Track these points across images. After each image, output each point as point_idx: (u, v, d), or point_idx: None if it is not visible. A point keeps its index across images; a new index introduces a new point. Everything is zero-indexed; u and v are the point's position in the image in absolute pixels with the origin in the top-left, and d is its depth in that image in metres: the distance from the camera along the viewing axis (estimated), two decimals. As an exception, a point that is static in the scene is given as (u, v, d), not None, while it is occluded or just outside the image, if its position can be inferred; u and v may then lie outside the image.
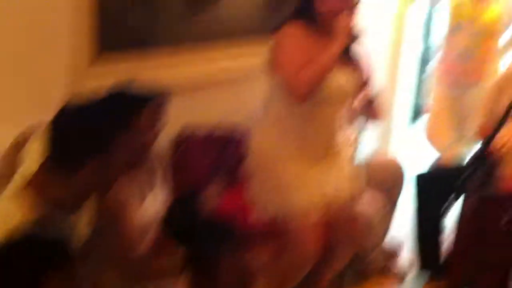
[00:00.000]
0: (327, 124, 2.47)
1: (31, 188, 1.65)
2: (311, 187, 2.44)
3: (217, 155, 2.92)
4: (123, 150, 1.72)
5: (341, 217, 2.51)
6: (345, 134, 2.67)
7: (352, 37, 2.34)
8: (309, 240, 2.43)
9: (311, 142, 2.46)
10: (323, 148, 2.50)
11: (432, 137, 3.99)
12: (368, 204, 2.98)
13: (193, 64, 2.86)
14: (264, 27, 3.03)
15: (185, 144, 2.82)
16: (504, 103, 2.83)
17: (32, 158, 1.76)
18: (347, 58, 2.41)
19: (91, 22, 2.38)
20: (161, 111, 2.09)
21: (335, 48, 2.29)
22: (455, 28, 3.73)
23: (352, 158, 2.79)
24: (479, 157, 2.74)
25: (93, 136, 1.66)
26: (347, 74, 2.43)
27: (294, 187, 2.43)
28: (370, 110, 2.92)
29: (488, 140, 2.63)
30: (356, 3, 2.39)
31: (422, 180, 3.11)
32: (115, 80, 2.16)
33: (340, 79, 2.39)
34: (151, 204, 2.14)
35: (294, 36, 2.36)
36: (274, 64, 2.40)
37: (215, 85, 2.94)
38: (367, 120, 3.21)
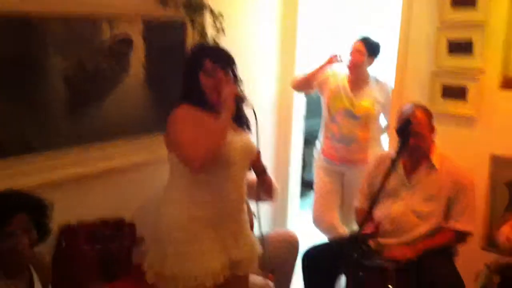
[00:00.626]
0: (233, 189, 2.54)
1: None
2: (217, 253, 2.50)
3: (104, 244, 2.93)
4: None
5: (234, 276, 2.58)
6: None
7: (239, 100, 2.45)
8: None
9: (218, 210, 2.51)
10: (231, 213, 2.57)
11: (318, 218, 4.16)
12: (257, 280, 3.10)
13: (74, 165, 2.91)
14: (145, 127, 3.25)
15: (71, 235, 2.81)
16: (377, 185, 3.02)
17: None
18: (240, 124, 2.57)
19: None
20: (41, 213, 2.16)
21: (224, 115, 2.37)
22: (333, 116, 3.98)
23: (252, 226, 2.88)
24: (358, 235, 2.87)
25: None
26: (243, 138, 2.57)
27: (198, 261, 2.47)
28: (264, 188, 3.06)
29: (363, 221, 2.79)
30: (233, 76, 2.54)
31: (308, 257, 3.19)
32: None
33: (237, 143, 2.50)
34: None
35: (185, 114, 2.46)
36: (170, 143, 2.49)
37: (99, 180, 3.04)
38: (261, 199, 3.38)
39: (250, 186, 3.23)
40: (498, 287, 2.40)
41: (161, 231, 2.55)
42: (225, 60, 2.55)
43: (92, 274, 2.48)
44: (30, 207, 2.15)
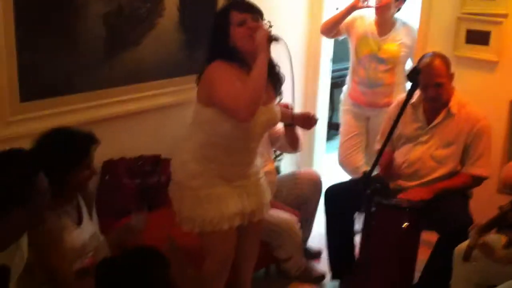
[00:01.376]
0: (247, 155, 2.65)
1: None
2: (228, 204, 2.62)
3: (143, 178, 3.15)
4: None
5: (250, 222, 2.75)
6: (264, 157, 2.90)
7: (272, 40, 2.45)
8: (225, 242, 2.67)
9: (230, 169, 2.63)
10: (241, 173, 2.68)
11: (344, 161, 4.29)
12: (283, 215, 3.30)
13: (113, 105, 3.12)
14: (178, 69, 3.41)
15: (114, 169, 3.03)
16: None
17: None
18: (272, 92, 2.64)
19: (11, 78, 2.61)
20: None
21: (260, 58, 2.39)
22: (360, 60, 4.04)
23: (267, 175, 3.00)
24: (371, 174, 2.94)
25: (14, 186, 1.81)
26: (270, 109, 2.61)
27: (214, 203, 2.60)
28: (290, 141, 3.23)
29: (376, 160, 2.83)
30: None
31: (331, 194, 3.36)
32: (38, 126, 2.45)
33: (262, 116, 2.52)
34: (82, 231, 2.38)
35: (221, 69, 2.50)
36: (209, 99, 2.53)
37: (136, 119, 3.25)
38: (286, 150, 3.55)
39: (276, 137, 3.43)
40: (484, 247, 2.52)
41: (177, 175, 2.70)
42: (251, 8, 2.57)
43: (132, 204, 2.68)
44: (94, 141, 2.38)
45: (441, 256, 2.93)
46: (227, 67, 2.51)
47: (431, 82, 3.03)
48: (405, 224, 2.89)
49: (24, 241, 2.03)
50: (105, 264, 1.95)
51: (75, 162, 2.29)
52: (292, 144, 3.32)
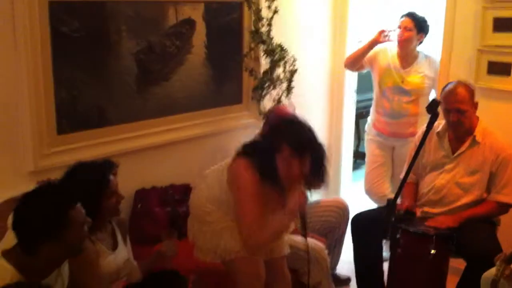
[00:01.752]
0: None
1: (6, 260, 1.96)
2: None
3: (173, 207, 3.26)
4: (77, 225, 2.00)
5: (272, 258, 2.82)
6: None
7: (302, 212, 2.61)
8: (248, 266, 2.71)
9: None
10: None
11: (370, 190, 4.34)
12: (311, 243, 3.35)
13: (145, 136, 3.24)
14: (205, 102, 3.54)
15: (146, 198, 3.14)
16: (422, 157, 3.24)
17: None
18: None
19: (48, 111, 2.76)
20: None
21: (287, 220, 2.57)
22: (383, 92, 4.11)
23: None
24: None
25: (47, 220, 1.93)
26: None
27: (232, 234, 2.68)
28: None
29: (398, 189, 2.85)
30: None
31: (358, 221, 3.41)
32: (74, 157, 2.59)
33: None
34: (116, 257, 2.48)
35: (251, 176, 2.55)
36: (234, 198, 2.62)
37: (166, 150, 3.37)
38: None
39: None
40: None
41: (195, 210, 2.83)
42: (304, 147, 2.56)
43: (162, 231, 2.77)
44: (112, 167, 2.49)
45: (469, 283, 2.94)
46: (257, 180, 2.56)
47: (452, 107, 3.09)
48: (432, 251, 2.91)
49: (65, 267, 2.14)
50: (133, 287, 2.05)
51: (98, 193, 2.37)
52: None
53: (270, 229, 2.53)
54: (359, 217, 3.43)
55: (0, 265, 1.94)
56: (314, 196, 3.72)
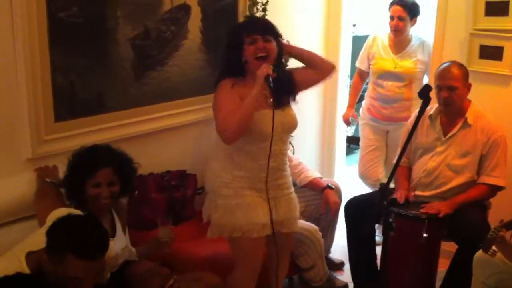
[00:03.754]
0: (271, 159, 2.73)
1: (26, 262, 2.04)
2: (258, 213, 2.74)
3: (170, 193, 3.28)
4: None
5: (280, 233, 2.86)
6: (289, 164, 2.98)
7: (269, 79, 2.61)
8: (253, 250, 2.78)
9: (258, 176, 2.75)
10: (272, 183, 2.79)
11: (364, 174, 4.40)
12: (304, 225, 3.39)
13: (142, 123, 3.25)
14: (201, 87, 3.54)
15: (143, 184, 3.16)
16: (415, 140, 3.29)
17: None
18: (281, 100, 2.77)
19: (46, 98, 2.75)
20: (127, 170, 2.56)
21: (255, 90, 2.58)
22: (377, 78, 4.17)
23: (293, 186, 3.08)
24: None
25: None
26: (286, 113, 2.79)
27: (244, 211, 2.73)
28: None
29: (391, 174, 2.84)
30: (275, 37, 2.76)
31: (351, 206, 3.46)
32: (71, 144, 2.60)
33: (278, 117, 2.67)
34: (115, 243, 2.51)
35: (224, 88, 2.72)
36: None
37: (163, 136, 3.39)
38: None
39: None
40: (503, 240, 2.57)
41: (210, 185, 2.86)
42: (262, 28, 2.76)
43: (160, 217, 2.81)
44: (118, 163, 2.52)
45: (461, 266, 3.02)
46: (230, 88, 2.70)
47: (444, 84, 3.14)
48: (425, 234, 2.96)
49: None
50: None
51: (80, 177, 2.45)
52: None
53: (241, 110, 2.60)
54: (352, 202, 3.48)
55: (19, 267, 2.00)
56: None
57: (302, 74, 2.92)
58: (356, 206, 3.42)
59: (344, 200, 3.63)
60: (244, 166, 2.75)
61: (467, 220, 3.05)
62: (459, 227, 3.05)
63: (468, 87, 3.20)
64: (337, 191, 3.72)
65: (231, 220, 2.74)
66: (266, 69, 2.61)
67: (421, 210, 3.11)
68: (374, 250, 3.48)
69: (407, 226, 3.06)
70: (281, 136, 2.79)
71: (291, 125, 2.85)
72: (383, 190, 2.75)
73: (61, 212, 2.23)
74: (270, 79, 2.61)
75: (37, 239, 2.14)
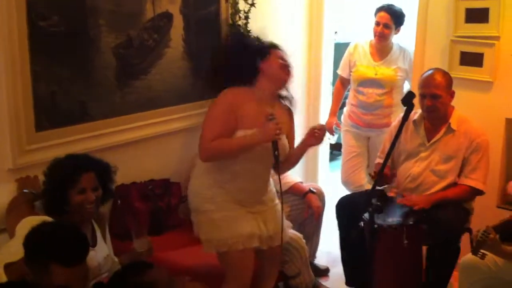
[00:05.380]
0: (255, 180, 2.76)
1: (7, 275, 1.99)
2: (243, 225, 2.74)
3: (154, 202, 3.26)
4: None
5: (268, 245, 2.86)
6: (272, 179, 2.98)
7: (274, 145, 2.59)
8: (241, 263, 2.76)
9: (241, 195, 2.75)
10: (255, 199, 2.80)
11: (347, 180, 4.42)
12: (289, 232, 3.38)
13: (125, 131, 3.22)
14: (184, 96, 3.54)
15: (126, 193, 3.14)
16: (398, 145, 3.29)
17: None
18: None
19: (27, 108, 2.71)
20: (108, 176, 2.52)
21: (254, 141, 2.60)
22: (358, 86, 4.20)
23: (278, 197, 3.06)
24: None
25: None
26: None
27: (228, 224, 2.72)
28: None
29: (378, 177, 2.86)
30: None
31: (342, 205, 3.47)
32: (53, 154, 2.58)
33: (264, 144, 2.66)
34: (96, 254, 2.48)
35: (222, 105, 2.70)
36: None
37: (146, 144, 3.37)
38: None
39: None
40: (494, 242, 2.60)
41: (193, 201, 2.84)
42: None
43: (133, 229, 2.71)
44: (99, 168, 2.49)
45: (434, 265, 3.06)
46: (228, 106, 2.68)
47: (428, 92, 3.15)
48: (405, 241, 2.96)
49: None
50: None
51: (62, 185, 2.40)
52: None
53: (229, 146, 2.61)
54: (343, 201, 3.49)
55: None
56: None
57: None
58: (347, 205, 3.43)
59: (329, 204, 3.62)
60: (225, 185, 2.74)
61: (441, 218, 3.06)
62: (433, 225, 3.05)
63: (451, 94, 3.22)
64: (320, 195, 3.73)
65: (216, 235, 2.73)
66: (277, 132, 2.57)
67: (397, 201, 3.18)
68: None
69: (389, 236, 3.03)
70: (268, 159, 2.77)
71: (282, 149, 2.83)
72: (369, 195, 2.74)
73: (32, 220, 2.19)
74: (277, 144, 2.58)
75: (11, 250, 2.11)
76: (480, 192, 3.24)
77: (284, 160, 2.82)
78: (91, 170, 2.46)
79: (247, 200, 2.76)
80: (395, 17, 4.05)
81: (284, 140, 2.81)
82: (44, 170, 2.49)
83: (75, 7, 2.88)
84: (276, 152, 2.59)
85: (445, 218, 3.06)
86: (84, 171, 2.43)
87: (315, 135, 2.82)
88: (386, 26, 4.04)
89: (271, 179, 2.96)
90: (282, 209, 2.84)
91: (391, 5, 4.10)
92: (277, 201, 2.94)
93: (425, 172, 3.27)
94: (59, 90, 2.85)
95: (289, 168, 3.00)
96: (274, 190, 2.96)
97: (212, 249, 2.75)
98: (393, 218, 3.06)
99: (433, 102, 3.16)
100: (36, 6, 2.68)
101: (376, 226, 2.88)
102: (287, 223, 3.07)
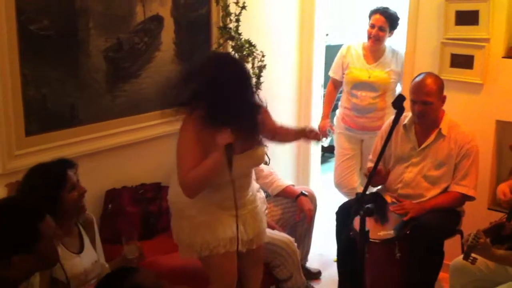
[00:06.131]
0: (235, 191, 2.63)
1: None
2: (225, 229, 2.70)
3: (146, 206, 3.25)
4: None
5: (250, 250, 2.83)
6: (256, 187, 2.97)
7: (230, 147, 2.49)
8: (223, 266, 2.75)
9: (221, 203, 2.70)
10: (235, 204, 2.68)
11: (340, 183, 4.40)
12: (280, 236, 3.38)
13: (115, 135, 3.21)
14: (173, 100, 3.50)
15: (117, 198, 3.12)
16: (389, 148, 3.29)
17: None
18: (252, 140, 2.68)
19: (16, 113, 2.71)
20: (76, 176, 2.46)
21: (216, 157, 2.48)
22: (351, 88, 4.19)
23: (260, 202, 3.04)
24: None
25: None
26: (251, 154, 2.69)
27: (210, 228, 2.69)
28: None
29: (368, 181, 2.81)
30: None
31: (342, 212, 3.40)
32: (43, 158, 2.56)
33: (245, 160, 2.63)
34: (82, 259, 2.45)
35: (189, 135, 2.57)
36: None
37: (137, 148, 3.36)
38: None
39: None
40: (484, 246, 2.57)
41: (173, 206, 2.80)
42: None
43: (124, 235, 2.66)
44: (73, 164, 2.46)
45: (415, 267, 3.03)
46: (195, 135, 2.56)
47: (418, 99, 3.14)
48: (398, 254, 2.96)
49: (36, 278, 2.12)
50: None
51: (56, 187, 2.36)
52: None
53: (201, 168, 2.52)
54: (342, 208, 3.45)
55: None
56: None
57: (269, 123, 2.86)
58: (347, 213, 3.35)
59: (320, 207, 3.62)
60: (204, 196, 2.67)
61: (432, 221, 3.05)
62: (423, 228, 3.05)
63: (442, 99, 3.21)
64: (312, 198, 3.72)
65: (197, 239, 2.70)
66: (226, 139, 2.49)
67: (390, 208, 3.17)
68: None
69: (381, 250, 3.04)
70: (247, 173, 2.76)
71: (258, 163, 2.84)
72: (359, 200, 2.73)
73: None
74: (231, 146, 2.50)
75: None
76: (470, 198, 3.24)
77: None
78: (71, 166, 2.44)
79: (229, 205, 2.70)
80: (390, 20, 4.06)
81: (258, 150, 2.76)
82: (20, 187, 2.41)
83: (65, 11, 2.87)
84: (231, 155, 2.51)
85: (435, 222, 3.05)
86: (67, 168, 2.41)
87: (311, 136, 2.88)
88: (381, 28, 4.04)
89: (254, 183, 2.94)
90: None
91: (386, 8, 4.10)
92: (258, 202, 2.92)
93: (418, 178, 3.27)
94: (49, 94, 2.85)
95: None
96: (255, 191, 2.93)
97: (194, 253, 2.73)
98: (385, 232, 3.05)
99: (423, 108, 3.16)
100: (26, 10, 2.68)
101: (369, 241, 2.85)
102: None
